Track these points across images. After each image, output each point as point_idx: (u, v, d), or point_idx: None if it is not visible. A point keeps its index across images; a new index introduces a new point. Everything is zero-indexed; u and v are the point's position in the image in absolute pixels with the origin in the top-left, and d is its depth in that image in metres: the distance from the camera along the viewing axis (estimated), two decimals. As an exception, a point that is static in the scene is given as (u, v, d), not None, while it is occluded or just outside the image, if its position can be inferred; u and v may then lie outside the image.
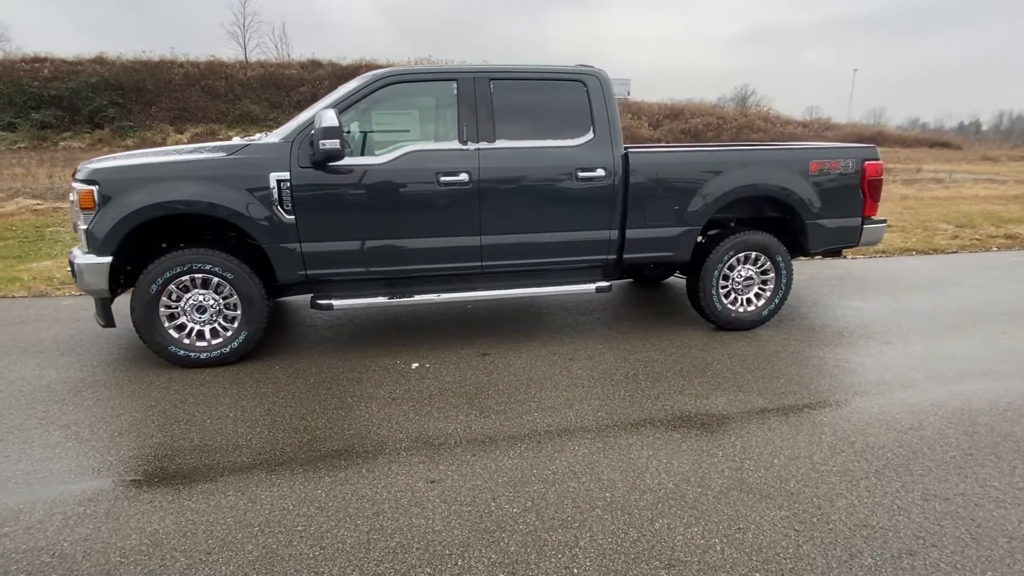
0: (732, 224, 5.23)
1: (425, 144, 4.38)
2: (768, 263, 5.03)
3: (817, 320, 5.44)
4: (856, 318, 5.50)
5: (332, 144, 3.85)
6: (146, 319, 4.09)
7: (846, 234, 5.16)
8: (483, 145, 4.37)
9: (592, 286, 4.69)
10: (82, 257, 4.02)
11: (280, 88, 31.07)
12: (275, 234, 4.13)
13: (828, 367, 4.34)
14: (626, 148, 4.75)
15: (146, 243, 4.34)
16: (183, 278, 4.11)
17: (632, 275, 5.35)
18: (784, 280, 5.06)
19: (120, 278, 4.28)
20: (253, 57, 36.14)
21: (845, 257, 8.13)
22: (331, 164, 4.12)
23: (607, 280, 4.78)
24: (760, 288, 5.09)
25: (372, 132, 4.43)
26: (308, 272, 4.26)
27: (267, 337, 4.83)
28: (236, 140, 4.35)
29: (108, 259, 3.98)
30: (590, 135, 4.56)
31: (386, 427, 3.44)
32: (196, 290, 4.16)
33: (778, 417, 3.58)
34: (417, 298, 4.47)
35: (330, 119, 3.84)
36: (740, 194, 4.81)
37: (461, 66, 4.46)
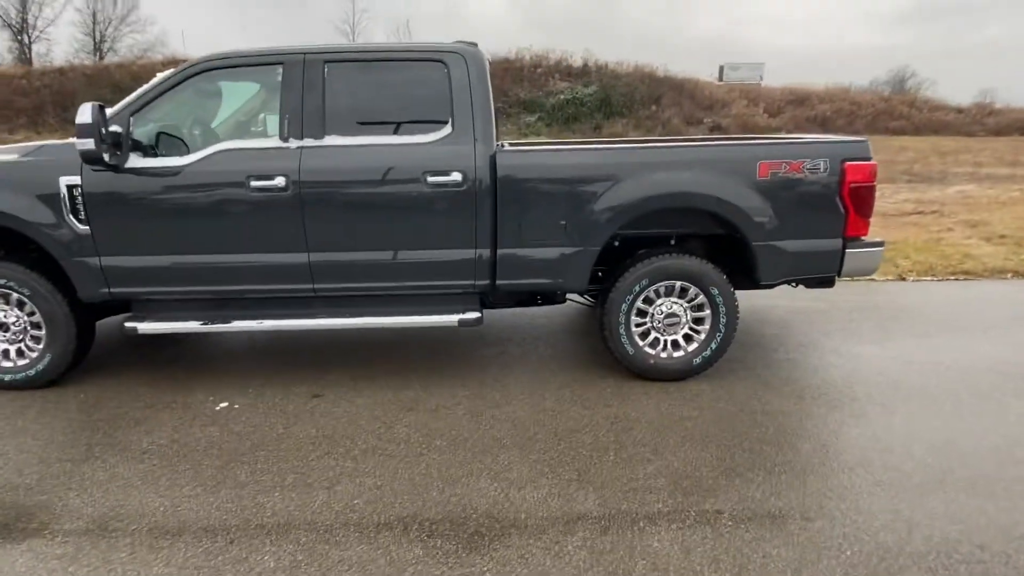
0: (672, 242, 4.04)
1: (239, 142, 3.67)
2: (701, 296, 3.80)
3: (784, 371, 4.09)
4: (845, 371, 4.08)
5: (85, 144, 3.24)
6: (-54, 335, 3.76)
7: (817, 260, 3.79)
8: (308, 143, 3.58)
9: (454, 318, 3.76)
10: None
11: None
12: (70, 246, 3.63)
13: (735, 452, 3.11)
14: (504, 145, 3.76)
15: None
16: (-20, 292, 3.73)
17: (549, 301, 4.28)
18: (724, 319, 3.80)
19: None
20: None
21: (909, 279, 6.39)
22: (129, 167, 3.54)
23: (476, 311, 3.81)
24: (692, 328, 3.87)
25: (191, 127, 3.81)
26: (112, 290, 3.72)
27: (118, 355, 4.40)
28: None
29: (-87, 268, 3.68)
30: (447, 130, 3.61)
31: (88, 495, 2.79)
32: (-2, 306, 3.78)
33: (588, 532, 2.50)
34: (236, 325, 3.79)
35: (83, 115, 3.24)
36: (653, 205, 3.63)
37: (292, 47, 3.69)
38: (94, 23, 42.05)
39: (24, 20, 41.08)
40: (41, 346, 3.81)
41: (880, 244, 3.85)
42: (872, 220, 3.87)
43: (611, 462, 3.03)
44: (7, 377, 3.81)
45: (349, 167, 3.58)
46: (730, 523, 2.57)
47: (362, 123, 3.65)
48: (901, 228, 9.02)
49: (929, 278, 6.56)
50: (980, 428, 3.32)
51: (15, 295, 3.74)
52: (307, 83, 3.59)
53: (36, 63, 36.26)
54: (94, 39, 42.20)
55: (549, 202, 3.64)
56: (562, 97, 28.96)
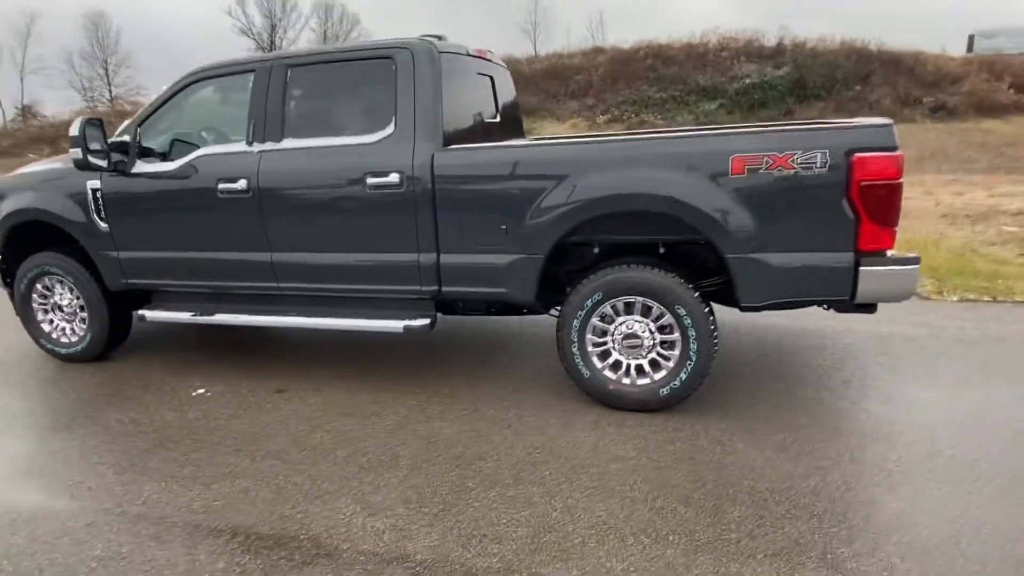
0: (661, 251, 3.48)
1: (216, 147, 3.90)
2: (668, 316, 3.20)
3: (792, 414, 3.29)
4: (875, 422, 3.17)
5: (75, 154, 3.68)
6: (23, 312, 4.56)
7: (818, 280, 2.97)
8: (268, 146, 3.68)
9: (399, 324, 3.62)
10: (-13, 254, 4.66)
11: (559, 78, 31.96)
12: (97, 242, 4.17)
13: (635, 511, 2.57)
14: (464, 145, 3.50)
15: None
16: (44, 278, 4.45)
17: (532, 311, 3.88)
18: (695, 344, 3.16)
19: None
20: (542, 50, 37.82)
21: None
22: (132, 171, 3.96)
23: (426, 318, 3.62)
24: (660, 353, 3.29)
25: (200, 134, 4.13)
26: (129, 281, 4.20)
27: (164, 340, 4.97)
28: None
29: (-3, 258, 4.53)
30: (390, 128, 3.47)
31: (38, 463, 3.19)
32: (57, 289, 4.48)
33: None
34: (218, 317, 4.06)
35: (72, 129, 3.67)
36: (599, 209, 3.13)
37: (265, 55, 3.82)
38: (324, 40, 48.20)
39: (272, 41, 48.48)
40: (86, 327, 4.45)
41: (914, 261, 2.91)
42: None
43: (489, 499, 2.69)
44: (63, 351, 4.51)
45: (299, 169, 3.62)
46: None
47: (317, 125, 3.68)
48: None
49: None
50: (1008, 532, 2.36)
51: (65, 282, 4.41)
52: (271, 89, 3.69)
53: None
54: (325, 54, 48.39)
55: (489, 204, 3.34)
56: (747, 81, 26.66)
